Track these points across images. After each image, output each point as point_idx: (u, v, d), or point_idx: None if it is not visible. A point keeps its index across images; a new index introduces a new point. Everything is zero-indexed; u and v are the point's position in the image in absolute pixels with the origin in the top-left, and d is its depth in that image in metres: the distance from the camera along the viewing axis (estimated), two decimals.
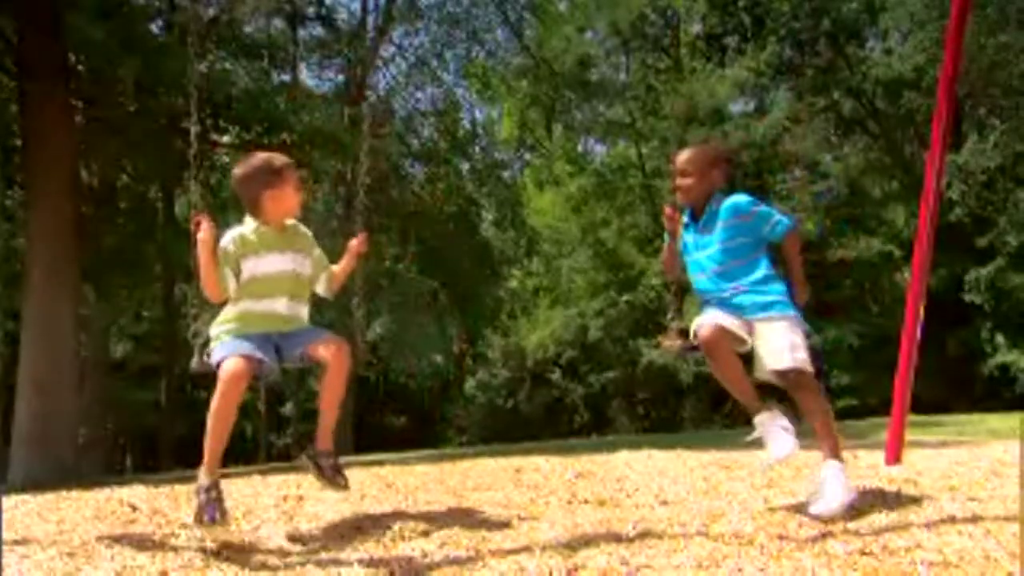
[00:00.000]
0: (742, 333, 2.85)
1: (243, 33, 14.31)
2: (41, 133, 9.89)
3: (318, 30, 18.10)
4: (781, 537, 2.41)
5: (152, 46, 10.60)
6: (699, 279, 3.02)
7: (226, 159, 12.96)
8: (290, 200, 3.01)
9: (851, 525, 2.54)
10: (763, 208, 2.96)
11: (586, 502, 3.21)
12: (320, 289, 3.21)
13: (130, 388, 21.66)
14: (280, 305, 2.98)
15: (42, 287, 9.71)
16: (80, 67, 11.12)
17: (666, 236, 3.14)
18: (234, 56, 13.38)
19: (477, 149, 19.15)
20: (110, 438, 19.16)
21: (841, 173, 20.53)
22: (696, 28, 24.09)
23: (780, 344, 2.80)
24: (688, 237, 3.06)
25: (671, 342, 3.15)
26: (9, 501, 3.62)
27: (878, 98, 20.63)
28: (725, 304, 2.91)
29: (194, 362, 3.00)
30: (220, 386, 2.71)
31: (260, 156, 3.06)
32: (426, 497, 3.46)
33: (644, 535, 2.51)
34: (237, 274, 2.94)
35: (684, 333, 3.11)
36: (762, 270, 2.92)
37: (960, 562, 2.01)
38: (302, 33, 17.94)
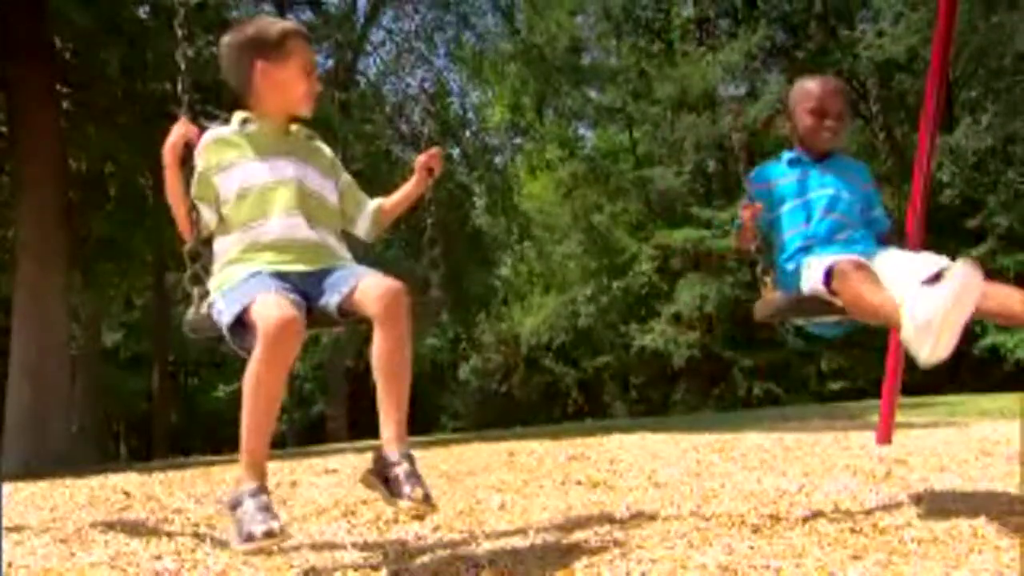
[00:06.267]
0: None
1: (231, 16, 14.19)
2: (27, 119, 9.79)
3: (307, 14, 18.00)
4: (772, 516, 2.43)
5: (138, 29, 10.49)
6: (818, 217, 2.60)
7: None
8: (294, 85, 2.10)
9: (842, 504, 2.57)
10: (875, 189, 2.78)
11: (579, 484, 3.22)
12: (362, 230, 2.33)
13: (122, 376, 21.64)
14: (295, 226, 2.03)
15: (31, 275, 9.65)
16: (66, 52, 11.01)
17: (735, 223, 2.66)
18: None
19: (468, 134, 19.06)
20: (103, 426, 19.13)
21: None
22: (688, 11, 24.00)
23: (924, 256, 2.42)
24: (800, 173, 2.69)
25: (773, 296, 2.54)
26: (2, 489, 3.61)
27: (870, 80, 20.61)
28: (843, 244, 2.53)
29: (190, 314, 2.05)
30: (262, 343, 1.73)
31: (258, 20, 2.18)
32: None
33: (637, 516, 2.52)
34: (214, 202, 2.08)
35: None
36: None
37: (949, 539, 2.03)
38: (290, 17, 17.83)
